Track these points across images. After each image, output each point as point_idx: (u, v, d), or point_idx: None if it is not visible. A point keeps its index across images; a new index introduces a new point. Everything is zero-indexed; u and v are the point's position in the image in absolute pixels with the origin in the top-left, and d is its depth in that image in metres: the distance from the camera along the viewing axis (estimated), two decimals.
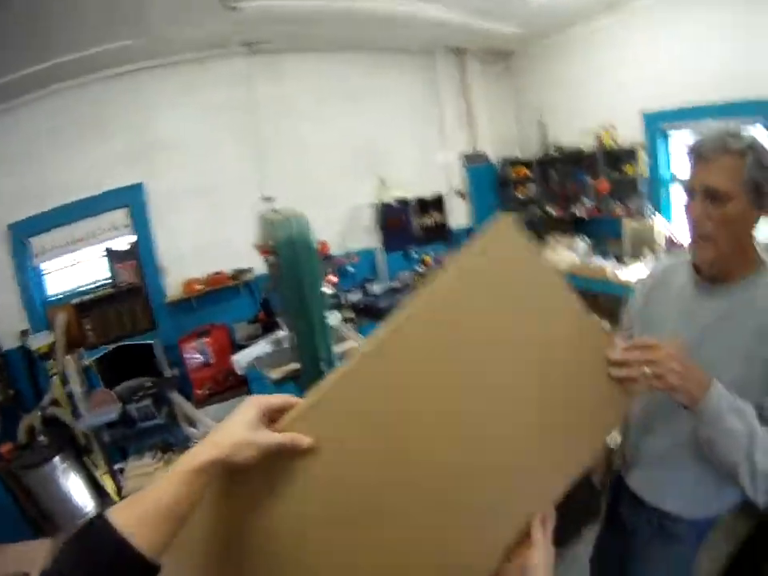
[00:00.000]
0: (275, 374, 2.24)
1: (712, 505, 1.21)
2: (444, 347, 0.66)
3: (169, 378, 3.86)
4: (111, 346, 3.96)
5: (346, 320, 3.88)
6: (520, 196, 4.95)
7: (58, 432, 3.92)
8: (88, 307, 4.17)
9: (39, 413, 3.89)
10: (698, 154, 0.99)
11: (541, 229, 4.75)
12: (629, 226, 3.98)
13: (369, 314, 3.90)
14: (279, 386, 2.33)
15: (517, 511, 0.70)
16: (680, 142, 3.78)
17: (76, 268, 4.27)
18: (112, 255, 4.22)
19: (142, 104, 3.90)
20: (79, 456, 4.01)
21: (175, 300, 4.03)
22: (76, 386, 3.88)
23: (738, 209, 0.93)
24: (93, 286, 4.28)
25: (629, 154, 3.94)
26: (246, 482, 0.61)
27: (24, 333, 4.10)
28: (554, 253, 4.51)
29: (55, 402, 3.96)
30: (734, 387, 0.91)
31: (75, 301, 4.16)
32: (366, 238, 4.38)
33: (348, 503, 0.62)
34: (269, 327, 3.67)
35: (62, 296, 4.26)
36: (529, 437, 0.71)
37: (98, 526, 0.56)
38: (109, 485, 4.01)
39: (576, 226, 4.66)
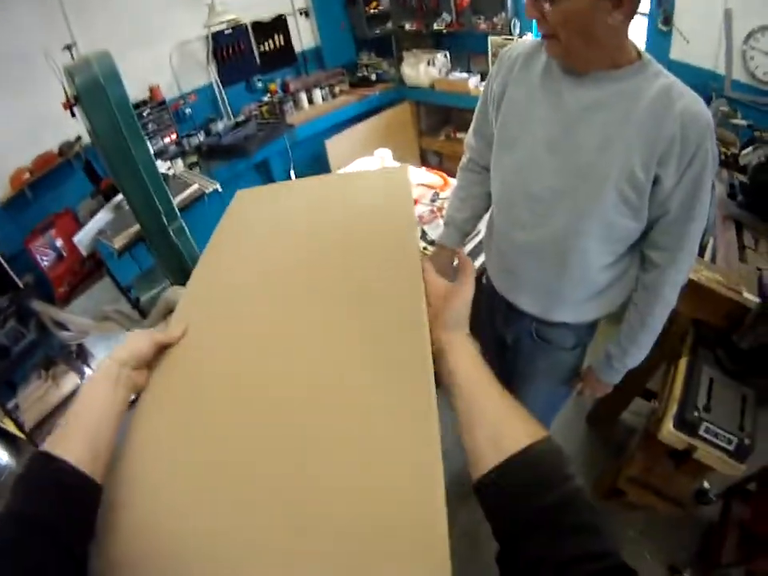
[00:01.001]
0: (119, 241, 2.00)
1: (590, 310, 1.23)
2: None
3: (24, 289, 3.43)
4: None
5: (191, 165, 3.56)
6: (373, 11, 4.49)
7: None
8: None
9: None
10: None
11: (396, 45, 4.45)
12: (494, 42, 3.79)
13: (215, 155, 3.59)
14: (127, 251, 2.09)
15: None
16: None
17: None
18: None
19: None
20: None
21: (6, 200, 3.39)
22: None
23: (577, 5, 0.84)
24: None
25: None
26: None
27: None
28: (410, 69, 4.29)
29: None
30: (609, 179, 0.94)
31: None
32: (202, 74, 3.84)
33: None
34: (110, 196, 3.22)
35: None
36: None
37: (35, 459, 0.55)
38: (10, 426, 3.78)
39: (436, 42, 4.41)
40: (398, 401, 0.53)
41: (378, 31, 4.43)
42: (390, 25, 4.47)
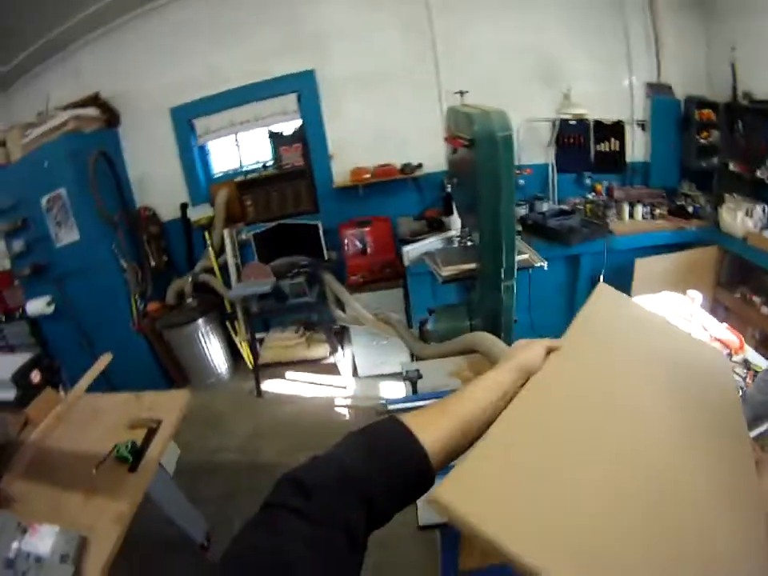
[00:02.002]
0: (447, 271, 2.26)
1: None
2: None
3: (326, 260, 4.02)
4: (272, 224, 4.17)
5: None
6: (702, 141, 4.39)
7: (206, 298, 4.31)
8: (250, 186, 4.46)
9: (190, 278, 4.27)
10: None
11: (717, 183, 4.27)
12: None
13: (537, 232, 3.75)
14: (445, 284, 2.35)
15: None
16: None
17: (240, 149, 4.53)
18: (275, 138, 4.40)
19: None
20: (222, 322, 4.42)
21: (341, 186, 4.15)
22: (230, 257, 4.17)
23: None
24: (256, 166, 4.53)
25: None
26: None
27: (184, 206, 4.45)
28: (727, 214, 4.07)
29: (207, 271, 4.32)
30: None
31: (238, 179, 4.44)
32: (540, 153, 4.15)
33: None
34: (434, 225, 3.69)
35: (224, 174, 4.57)
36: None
37: (390, 420, 0.62)
38: (245, 351, 4.39)
39: (756, 190, 4.12)
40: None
41: (703, 164, 4.30)
42: (715, 160, 4.32)
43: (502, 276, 2.04)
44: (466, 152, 1.98)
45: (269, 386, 4.26)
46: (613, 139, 4.13)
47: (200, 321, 4.19)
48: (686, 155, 4.37)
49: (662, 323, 1.13)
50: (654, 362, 0.90)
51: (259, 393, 4.16)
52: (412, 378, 1.92)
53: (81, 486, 1.81)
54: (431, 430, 0.61)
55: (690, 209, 4.08)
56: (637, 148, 4.30)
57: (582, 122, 3.97)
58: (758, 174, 3.85)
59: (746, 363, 2.33)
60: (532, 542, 0.47)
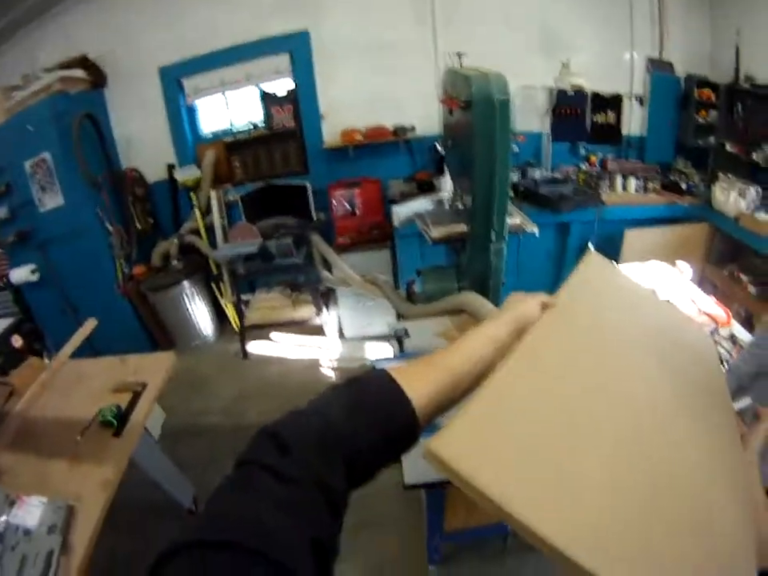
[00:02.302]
0: (437, 233, 2.24)
1: None
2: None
3: (313, 221, 3.98)
4: (260, 185, 4.11)
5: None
6: (700, 120, 4.37)
7: (192, 260, 4.24)
8: (239, 147, 4.38)
9: (176, 240, 4.20)
10: None
11: (713, 162, 4.26)
12: None
13: (526, 197, 3.75)
14: (435, 246, 2.33)
15: None
16: None
17: (229, 109, 4.43)
18: (267, 99, 4.29)
19: None
20: (208, 284, 4.37)
21: (331, 147, 4.10)
22: (217, 218, 4.10)
23: None
24: (246, 127, 4.44)
25: None
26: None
27: (171, 167, 4.36)
28: (720, 193, 4.07)
29: (194, 232, 4.25)
30: None
31: (227, 140, 4.37)
32: (535, 121, 4.11)
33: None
34: (424, 188, 3.66)
35: (213, 135, 4.48)
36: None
37: (376, 372, 0.59)
38: (231, 313, 4.35)
39: (751, 172, 4.12)
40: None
41: (699, 142, 4.30)
42: (712, 139, 4.31)
43: (493, 238, 2.04)
44: (462, 114, 1.96)
45: (254, 347, 4.25)
46: (610, 112, 4.10)
47: (185, 283, 4.15)
48: (683, 133, 4.36)
49: (650, 295, 1.14)
50: (642, 333, 0.90)
51: (245, 354, 4.16)
52: (399, 336, 1.91)
53: (66, 453, 1.78)
54: (418, 383, 0.58)
55: (684, 185, 4.08)
56: (634, 122, 4.28)
57: (580, 92, 3.91)
58: (754, 156, 3.86)
59: (732, 338, 2.35)
60: (530, 500, 0.47)
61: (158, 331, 4.29)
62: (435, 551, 2.11)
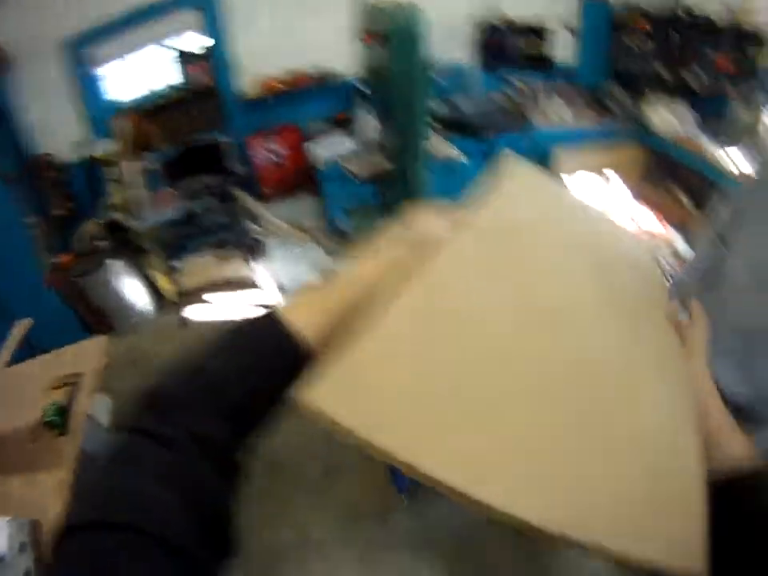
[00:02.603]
0: (363, 171, 2.15)
1: None
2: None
3: (233, 175, 3.84)
4: (181, 148, 3.97)
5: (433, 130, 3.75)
6: (632, 46, 4.35)
7: (119, 237, 4.06)
8: (156, 112, 4.14)
9: (99, 220, 4.02)
10: None
11: (646, 86, 4.28)
12: (736, 110, 3.48)
13: (453, 128, 3.63)
14: (361, 185, 2.25)
15: None
16: None
17: (144, 74, 4.16)
18: (184, 58, 4.05)
19: None
20: (138, 259, 4.17)
21: (251, 99, 3.92)
22: (135, 189, 3.91)
23: None
24: (162, 90, 4.20)
25: (761, 39, 3.25)
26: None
27: (81, 144, 4.10)
28: (654, 112, 4.09)
29: (114, 207, 4.05)
30: None
31: (144, 106, 4.12)
32: (460, 51, 3.99)
33: None
34: (344, 125, 3.58)
35: (131, 103, 4.19)
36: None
37: (263, 313, 0.55)
38: (164, 283, 4.19)
39: (680, 92, 4.16)
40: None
41: (631, 68, 4.30)
42: (644, 63, 4.32)
43: (417, 171, 2.00)
44: (382, 49, 1.94)
45: (193, 314, 4.09)
46: (539, 40, 4.00)
47: (113, 262, 3.94)
48: (615, 59, 4.32)
49: (582, 206, 0.99)
50: (574, 246, 0.80)
51: (184, 323, 4.02)
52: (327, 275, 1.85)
53: (21, 465, 1.75)
54: (304, 312, 0.54)
55: (616, 108, 4.08)
56: (564, 49, 4.22)
57: (507, 22, 3.80)
58: (687, 80, 3.88)
59: (675, 254, 2.38)
60: (415, 441, 0.41)
61: (94, 317, 4.09)
62: (401, 481, 2.21)
